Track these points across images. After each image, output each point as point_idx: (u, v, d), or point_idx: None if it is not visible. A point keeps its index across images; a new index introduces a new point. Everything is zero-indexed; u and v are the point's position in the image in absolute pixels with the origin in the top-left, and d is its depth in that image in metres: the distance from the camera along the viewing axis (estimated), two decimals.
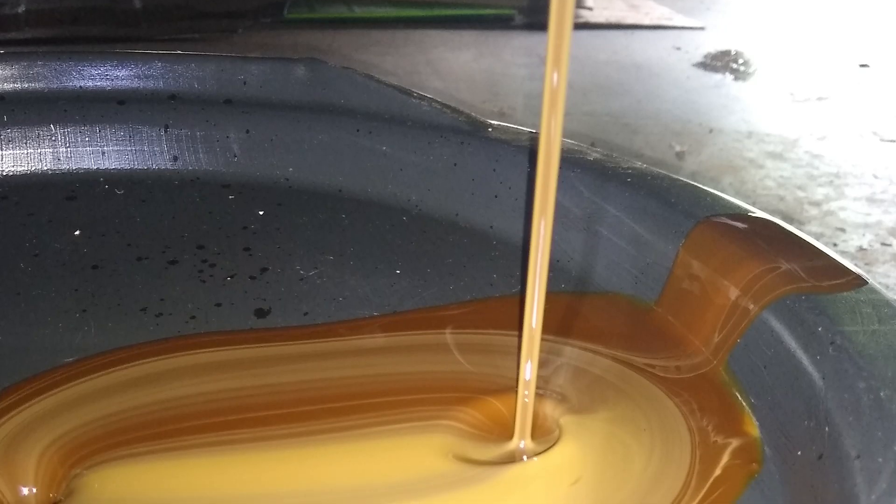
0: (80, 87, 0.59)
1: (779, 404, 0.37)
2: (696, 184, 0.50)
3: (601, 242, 0.49)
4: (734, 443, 0.37)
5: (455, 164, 0.55)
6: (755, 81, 1.02)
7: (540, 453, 0.36)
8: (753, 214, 0.46)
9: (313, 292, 0.47)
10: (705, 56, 1.31)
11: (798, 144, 0.79)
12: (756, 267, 0.41)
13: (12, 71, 0.58)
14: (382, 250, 0.51)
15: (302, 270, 0.48)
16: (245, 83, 0.60)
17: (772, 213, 0.53)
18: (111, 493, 0.34)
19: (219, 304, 0.45)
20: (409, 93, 0.58)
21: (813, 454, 0.34)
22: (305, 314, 0.45)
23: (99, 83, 0.60)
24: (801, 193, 0.70)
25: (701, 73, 1.02)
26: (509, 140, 0.54)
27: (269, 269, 0.49)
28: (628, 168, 0.51)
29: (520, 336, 0.35)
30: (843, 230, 0.64)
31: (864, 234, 0.63)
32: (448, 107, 0.58)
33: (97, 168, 0.58)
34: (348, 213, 0.54)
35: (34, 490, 0.34)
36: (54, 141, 0.58)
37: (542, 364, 0.41)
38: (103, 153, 0.58)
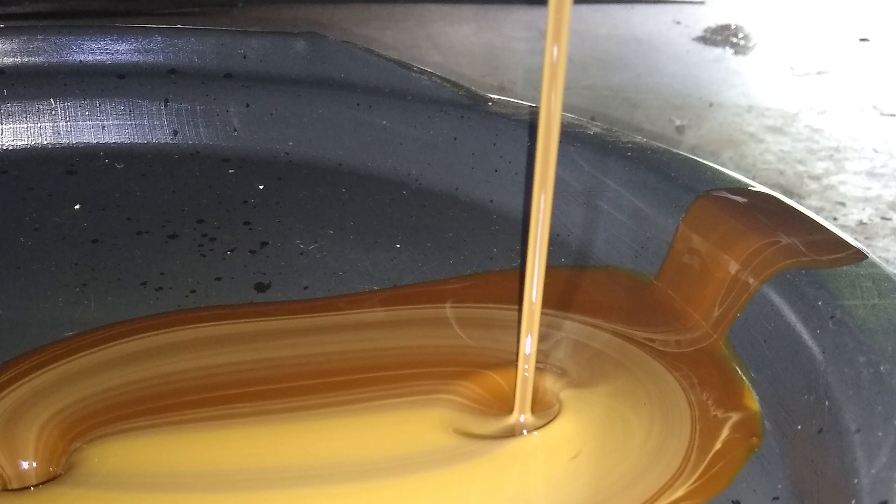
0: (80, 61, 0.59)
1: (779, 378, 0.37)
2: (696, 158, 0.50)
3: (601, 216, 0.49)
4: (734, 417, 0.37)
5: (455, 139, 0.55)
6: (755, 56, 1.02)
7: (540, 427, 0.36)
8: (753, 188, 0.46)
9: (313, 266, 0.46)
10: (705, 30, 1.30)
11: (798, 119, 0.79)
12: (756, 241, 0.41)
13: (12, 45, 0.58)
14: (382, 224, 0.51)
15: (302, 244, 0.48)
16: (245, 57, 0.59)
17: (772, 187, 0.53)
18: (111, 466, 0.34)
19: (219, 279, 0.45)
20: (408, 67, 0.58)
21: (813, 428, 0.34)
22: (305, 288, 0.45)
23: (99, 57, 0.59)
24: (801, 167, 0.69)
25: (701, 47, 1.02)
26: (509, 114, 0.54)
27: (268, 243, 0.48)
28: (628, 142, 0.51)
29: (520, 310, 0.35)
30: (843, 204, 0.64)
31: (864, 209, 0.63)
32: (448, 81, 0.57)
33: (97, 142, 0.57)
34: (348, 187, 0.54)
35: (34, 464, 0.34)
36: (54, 115, 0.57)
37: (542, 338, 0.41)
38: (103, 127, 0.58)
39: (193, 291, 0.44)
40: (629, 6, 1.79)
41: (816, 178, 0.68)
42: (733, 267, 0.41)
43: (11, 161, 0.55)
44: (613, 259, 0.47)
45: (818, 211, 0.63)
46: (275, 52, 0.59)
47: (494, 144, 0.53)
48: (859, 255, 0.40)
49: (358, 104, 0.57)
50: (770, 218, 0.42)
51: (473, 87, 0.57)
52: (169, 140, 0.58)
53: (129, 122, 0.58)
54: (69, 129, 0.57)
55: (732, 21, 1.38)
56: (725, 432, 0.36)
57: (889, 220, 0.61)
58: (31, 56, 0.58)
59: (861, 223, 0.61)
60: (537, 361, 0.36)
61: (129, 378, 0.38)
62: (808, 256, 0.39)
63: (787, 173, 0.68)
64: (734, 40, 1.03)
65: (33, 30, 0.59)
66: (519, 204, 0.52)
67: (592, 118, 0.62)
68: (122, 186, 0.53)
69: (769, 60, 0.97)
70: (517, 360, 0.36)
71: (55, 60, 0.59)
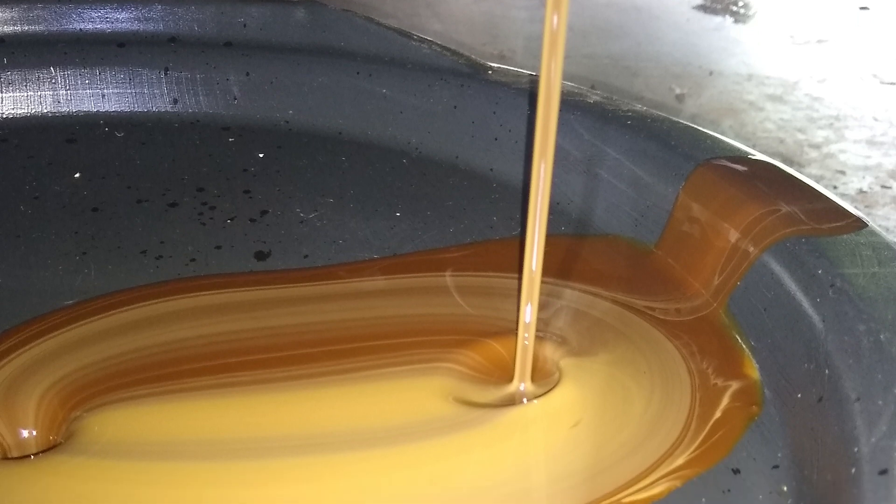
0: (80, 29, 0.58)
1: (779, 347, 0.37)
2: (696, 126, 0.49)
3: (601, 185, 0.48)
4: (734, 385, 0.37)
5: (455, 107, 0.54)
6: (755, 24, 1.01)
7: (540, 396, 0.35)
8: (753, 157, 0.46)
9: (313, 235, 0.46)
10: None
11: (798, 87, 0.78)
12: (756, 209, 0.41)
13: (12, 13, 0.58)
14: (382, 193, 0.50)
15: (302, 213, 0.48)
16: (245, 26, 0.59)
17: (772, 155, 0.53)
18: (111, 435, 0.34)
19: (219, 247, 0.45)
20: (409, 35, 0.58)
21: (813, 397, 0.34)
22: (305, 257, 0.44)
23: (99, 25, 0.59)
24: (801, 136, 0.69)
25: (701, 15, 1.01)
26: (509, 83, 0.54)
27: (268, 211, 0.48)
28: (628, 111, 0.51)
29: (520, 278, 0.35)
30: (843, 172, 0.64)
31: (864, 177, 0.63)
32: (448, 49, 0.57)
33: (97, 111, 0.57)
34: (348, 155, 0.54)
35: (34, 432, 0.34)
36: (54, 83, 0.57)
37: (542, 306, 0.40)
38: (103, 96, 0.57)
39: (193, 260, 0.44)
40: None
41: (816, 147, 0.67)
42: (733, 235, 0.41)
43: (11, 129, 0.55)
44: (613, 227, 0.47)
45: (818, 179, 0.62)
46: (275, 20, 0.59)
47: (494, 113, 0.53)
48: (859, 224, 0.39)
49: (358, 73, 0.56)
50: (770, 186, 0.42)
51: (473, 56, 0.57)
52: (169, 108, 0.57)
53: (129, 91, 0.57)
54: (69, 98, 0.57)
55: None
56: (725, 401, 0.36)
57: (889, 188, 0.61)
58: (30, 24, 0.58)
59: (861, 191, 0.61)
60: (537, 330, 0.36)
61: (129, 346, 0.38)
62: (808, 225, 0.39)
63: (787, 142, 0.68)
64: (734, 9, 1.03)
65: None
66: (519, 172, 0.52)
67: (592, 87, 0.61)
68: (122, 155, 0.53)
69: (769, 29, 0.96)
70: (517, 329, 0.36)
71: (55, 29, 0.58)
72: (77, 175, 0.51)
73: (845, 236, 0.38)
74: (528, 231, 0.33)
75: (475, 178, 0.52)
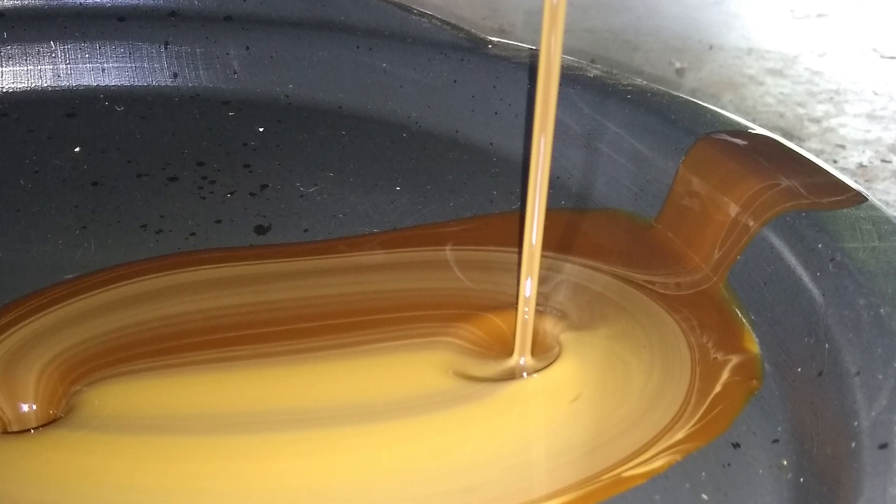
0: (80, 3, 0.58)
1: (779, 321, 0.37)
2: (696, 101, 0.49)
3: (601, 159, 0.48)
4: (734, 359, 0.37)
5: (455, 81, 0.54)
6: None
7: (540, 370, 0.35)
8: (753, 131, 0.45)
9: (313, 209, 0.46)
10: None
11: (798, 61, 0.78)
12: (756, 184, 0.40)
13: None
14: (382, 167, 0.50)
15: (302, 187, 0.48)
16: (245, 0, 0.58)
17: (772, 129, 0.52)
18: (111, 409, 0.33)
19: (219, 221, 0.45)
20: (408, 9, 0.57)
21: (813, 371, 0.34)
22: (305, 231, 0.44)
23: (98, 0, 0.58)
24: (800, 110, 0.69)
25: None
26: (509, 57, 0.53)
27: (269, 185, 0.48)
28: (628, 85, 0.50)
29: (520, 253, 0.35)
30: (843, 147, 0.63)
31: (864, 151, 0.62)
32: (448, 23, 0.57)
33: (97, 85, 0.56)
34: (348, 129, 0.53)
35: (34, 407, 0.34)
36: (54, 58, 0.56)
37: (542, 281, 0.40)
38: (103, 70, 0.57)
39: (193, 234, 0.44)
40: None
41: (816, 121, 0.67)
42: (733, 209, 0.41)
43: (11, 103, 0.55)
44: (613, 201, 0.47)
45: (818, 153, 0.62)
46: None
47: (494, 87, 0.53)
48: (859, 198, 0.39)
49: (358, 47, 0.56)
50: (770, 160, 0.42)
51: (473, 30, 0.56)
52: (169, 83, 0.57)
53: (129, 65, 0.57)
54: (69, 72, 0.56)
55: None
56: (725, 375, 0.36)
57: (889, 162, 0.61)
58: None
59: (861, 165, 0.61)
60: (537, 304, 0.36)
61: (129, 321, 0.38)
62: (808, 199, 0.39)
63: (787, 116, 0.68)
64: None
65: None
66: (519, 146, 0.51)
67: (592, 61, 0.61)
68: (122, 129, 0.53)
69: (769, 3, 0.96)
70: (517, 303, 0.35)
71: (55, 3, 0.58)
72: (77, 149, 0.50)
73: (845, 210, 0.38)
74: (528, 205, 0.33)
75: (475, 152, 0.52)
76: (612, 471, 0.32)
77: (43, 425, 0.33)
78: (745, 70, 0.76)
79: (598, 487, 0.31)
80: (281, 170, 0.49)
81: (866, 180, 0.59)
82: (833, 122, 0.67)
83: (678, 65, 0.77)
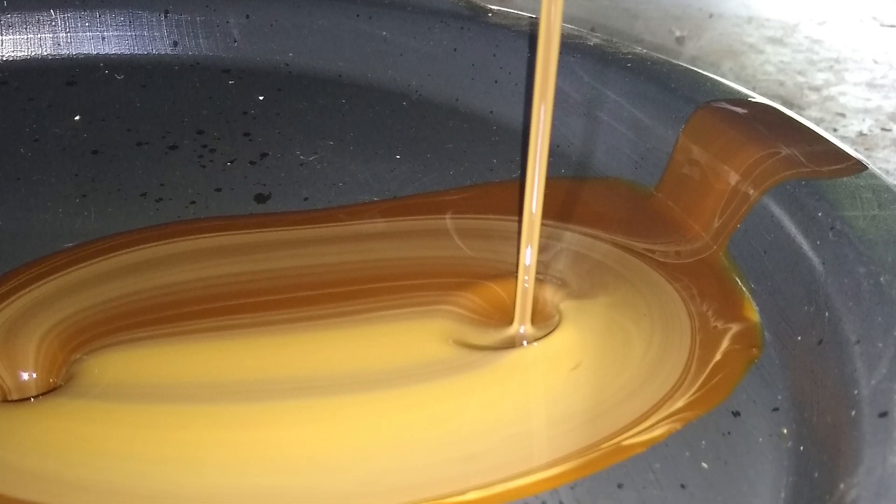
0: None
1: (779, 289, 0.37)
2: (696, 69, 0.49)
3: (601, 127, 0.48)
4: (734, 328, 0.36)
5: (455, 50, 0.53)
6: None
7: (540, 338, 0.35)
8: (753, 99, 0.45)
9: (313, 177, 0.46)
10: None
11: (798, 29, 0.77)
12: (756, 152, 0.40)
13: None
14: (382, 136, 0.49)
15: (302, 156, 0.47)
16: None
17: (772, 98, 0.52)
18: (111, 378, 0.33)
19: (219, 189, 0.44)
20: None
21: (813, 339, 0.33)
22: (305, 199, 0.44)
23: None
24: (801, 78, 0.68)
25: None
26: (509, 25, 0.53)
27: (269, 154, 0.47)
28: (628, 53, 0.50)
29: (520, 221, 0.34)
30: (843, 115, 0.63)
31: (864, 119, 0.62)
32: None
33: (97, 53, 0.56)
34: (348, 98, 0.53)
35: (34, 375, 0.34)
36: (54, 26, 0.56)
37: (542, 249, 0.40)
38: (103, 38, 0.56)
39: (193, 202, 0.43)
40: None
41: (816, 90, 0.66)
42: (733, 178, 0.40)
43: (11, 72, 0.54)
44: (613, 170, 0.47)
45: (818, 122, 0.62)
46: None
47: (494, 56, 0.52)
48: (859, 167, 0.39)
49: (358, 15, 0.55)
50: (770, 129, 0.41)
51: None
52: (169, 51, 0.56)
53: (129, 34, 0.56)
54: (69, 41, 0.56)
55: None
56: (725, 343, 0.35)
57: (889, 131, 0.60)
58: None
59: (861, 134, 0.60)
60: (537, 272, 0.36)
61: (129, 289, 0.38)
62: (808, 167, 0.39)
63: (787, 84, 0.67)
64: None
65: None
66: (519, 115, 0.51)
67: (592, 29, 0.60)
68: (122, 98, 0.52)
69: None
70: (517, 271, 0.35)
71: None
72: (77, 118, 0.50)
73: (845, 179, 0.38)
74: (528, 173, 0.33)
75: (475, 120, 0.51)
76: (611, 439, 0.31)
77: (43, 394, 0.33)
78: (745, 38, 0.76)
79: (598, 456, 0.31)
80: (281, 138, 0.49)
81: (866, 149, 0.59)
82: (833, 90, 0.67)
83: (678, 33, 0.76)
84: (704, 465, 0.31)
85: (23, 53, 0.55)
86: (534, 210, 0.33)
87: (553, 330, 0.35)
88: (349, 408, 0.32)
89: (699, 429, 0.32)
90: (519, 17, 0.54)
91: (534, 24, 0.52)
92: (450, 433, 0.32)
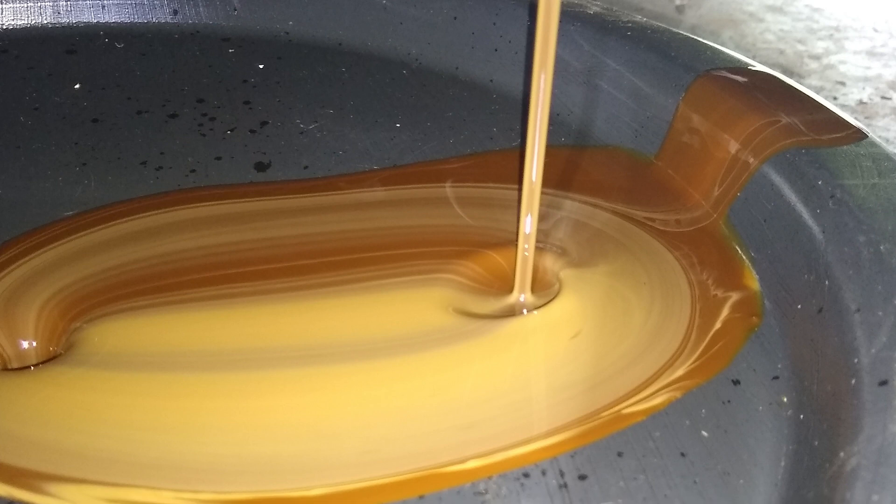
0: None
1: (779, 258, 0.36)
2: (696, 37, 0.48)
3: (601, 96, 0.47)
4: (734, 296, 0.36)
5: (455, 18, 0.53)
6: None
7: (540, 307, 0.35)
8: (753, 68, 0.44)
9: (313, 146, 0.45)
10: None
11: None
12: (756, 120, 0.40)
13: None
14: (382, 104, 0.49)
15: (302, 124, 0.47)
16: None
17: (772, 66, 0.51)
18: (111, 346, 0.33)
19: (219, 158, 0.44)
20: None
21: (813, 308, 0.33)
22: (305, 168, 0.43)
23: None
24: (801, 47, 0.68)
25: None
26: None
27: (268, 122, 0.47)
28: (628, 22, 0.49)
29: (520, 190, 0.34)
30: (843, 84, 0.62)
31: (864, 88, 0.62)
32: None
33: (97, 21, 0.55)
34: (348, 66, 0.53)
35: (34, 343, 0.33)
36: None
37: (542, 218, 0.40)
38: (103, 6, 0.56)
39: (193, 171, 0.43)
40: None
41: (816, 58, 0.66)
42: (733, 146, 0.40)
43: (11, 40, 0.54)
44: (613, 138, 0.46)
45: (818, 90, 0.61)
46: None
47: (494, 24, 0.52)
48: (859, 135, 0.38)
49: None
50: (770, 97, 0.41)
51: None
52: (169, 19, 0.56)
53: (129, 2, 0.56)
54: (69, 9, 0.55)
55: None
56: (725, 312, 0.35)
57: (889, 99, 0.60)
58: None
59: (861, 102, 0.60)
60: (537, 241, 0.35)
61: (129, 257, 0.37)
62: (808, 136, 0.38)
63: (787, 53, 0.67)
64: None
65: None
66: (519, 83, 0.50)
67: None
68: (122, 66, 0.52)
69: None
70: (517, 240, 0.35)
71: None
72: (77, 86, 0.50)
73: (845, 147, 0.38)
74: (528, 142, 0.32)
75: (475, 89, 0.51)
76: (611, 408, 0.31)
77: (43, 362, 0.33)
78: (745, 7, 0.75)
79: (598, 424, 0.30)
80: (281, 107, 0.48)
81: (866, 117, 0.58)
82: (833, 58, 0.66)
83: (678, 1, 0.76)
84: (704, 433, 0.30)
85: (23, 22, 0.55)
86: (534, 178, 0.33)
87: (553, 298, 0.35)
88: (349, 376, 0.32)
89: (699, 397, 0.32)
90: None
91: None
92: (449, 401, 0.31)
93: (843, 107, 0.58)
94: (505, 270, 0.37)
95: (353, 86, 0.51)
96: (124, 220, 0.39)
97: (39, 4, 0.55)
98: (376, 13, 0.54)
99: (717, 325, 0.34)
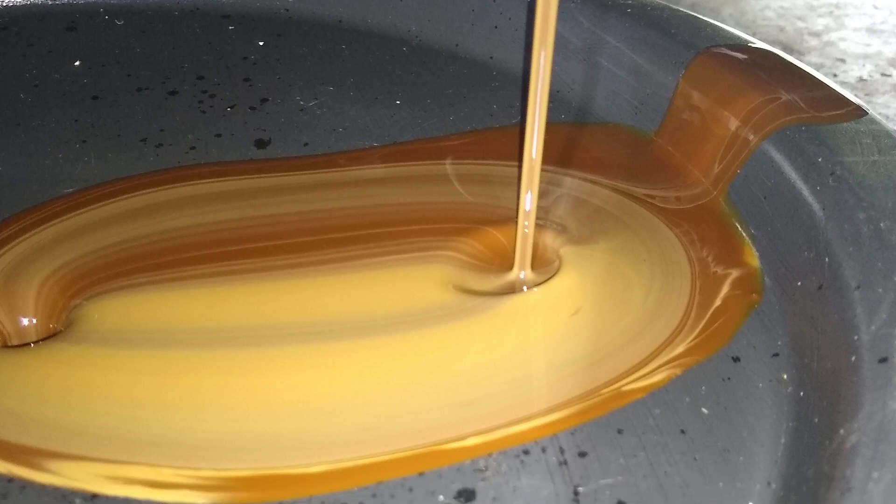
0: None
1: (779, 235, 0.36)
2: (696, 14, 0.48)
3: (601, 73, 0.47)
4: (734, 273, 0.36)
5: None
6: None
7: (540, 284, 0.34)
8: (753, 45, 0.44)
9: (313, 123, 0.45)
10: None
11: None
12: (756, 97, 0.39)
13: None
14: (382, 81, 0.49)
15: (302, 101, 0.47)
16: None
17: (772, 43, 0.51)
18: (111, 323, 0.33)
19: (218, 135, 0.44)
20: None
21: (813, 284, 0.33)
22: (305, 145, 0.43)
23: None
24: (801, 24, 0.67)
25: None
26: None
27: (268, 99, 0.47)
28: None
29: (520, 166, 0.34)
30: (843, 61, 0.62)
31: (864, 65, 0.61)
32: None
33: None
34: (348, 43, 0.52)
35: (34, 320, 0.33)
36: None
37: (542, 194, 0.39)
38: None
39: (193, 148, 0.43)
40: None
41: (816, 35, 0.66)
42: (733, 123, 0.40)
43: (11, 17, 0.53)
44: (613, 115, 0.46)
45: (818, 67, 0.61)
46: None
47: (494, 1, 0.51)
48: (859, 112, 0.38)
49: None
50: (770, 74, 0.41)
51: None
52: None
53: None
54: None
55: None
56: (725, 289, 0.35)
57: (889, 76, 0.59)
58: None
59: (861, 80, 0.60)
60: (537, 218, 0.35)
61: (128, 234, 0.37)
62: (809, 113, 0.38)
63: (787, 30, 0.66)
64: None
65: None
66: (519, 60, 0.50)
67: None
68: (122, 43, 0.51)
69: None
70: (517, 217, 0.35)
71: None
72: (77, 63, 0.49)
73: (845, 124, 0.37)
74: (528, 119, 0.32)
75: (475, 66, 0.50)
76: (611, 385, 0.31)
77: (43, 339, 0.32)
78: None
79: (598, 401, 0.30)
80: (281, 84, 0.48)
81: (866, 94, 0.58)
82: (833, 35, 0.66)
83: None
84: (704, 410, 0.30)
85: None
86: (534, 155, 0.33)
87: (553, 275, 0.35)
88: (349, 353, 0.32)
89: (699, 374, 0.31)
90: None
91: None
92: (449, 378, 0.31)
93: (843, 84, 0.58)
94: (505, 247, 0.37)
95: (353, 63, 0.50)
96: (124, 197, 0.39)
97: None
98: None
99: (718, 302, 0.34)
